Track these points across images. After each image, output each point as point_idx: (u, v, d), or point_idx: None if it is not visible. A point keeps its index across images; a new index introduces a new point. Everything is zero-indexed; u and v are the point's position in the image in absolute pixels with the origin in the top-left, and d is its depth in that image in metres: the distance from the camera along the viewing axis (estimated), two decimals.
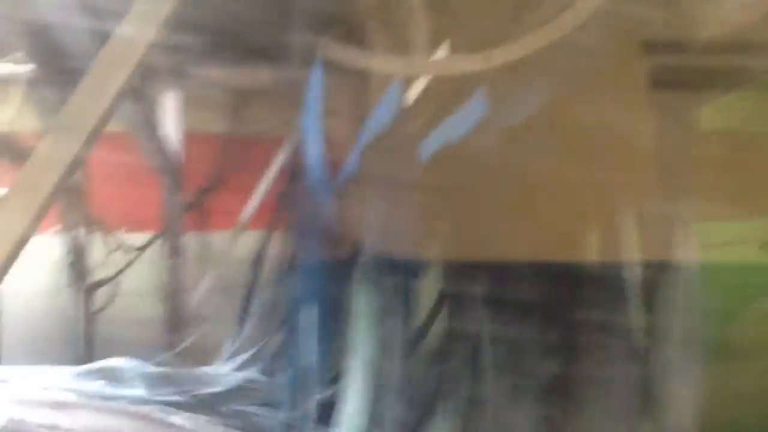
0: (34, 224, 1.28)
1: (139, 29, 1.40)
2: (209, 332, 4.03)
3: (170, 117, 3.84)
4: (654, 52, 2.26)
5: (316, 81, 2.49)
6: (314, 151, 2.58)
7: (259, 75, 3.60)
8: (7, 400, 2.13)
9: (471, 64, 2.29)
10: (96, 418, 1.99)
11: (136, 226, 4.09)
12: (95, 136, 1.35)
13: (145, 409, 2.09)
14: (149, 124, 3.27)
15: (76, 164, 1.34)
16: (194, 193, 4.05)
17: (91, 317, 3.68)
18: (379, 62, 2.31)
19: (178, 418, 2.10)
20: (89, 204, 3.80)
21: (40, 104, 3.65)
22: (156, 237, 3.92)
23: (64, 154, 1.30)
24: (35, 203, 1.26)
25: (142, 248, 3.91)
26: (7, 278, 3.71)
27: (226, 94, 4.13)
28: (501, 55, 2.22)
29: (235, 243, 3.92)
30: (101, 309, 3.75)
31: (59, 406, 2.06)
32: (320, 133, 2.57)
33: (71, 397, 2.15)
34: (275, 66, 3.27)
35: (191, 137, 3.94)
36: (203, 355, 3.70)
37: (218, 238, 4.10)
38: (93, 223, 3.80)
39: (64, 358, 3.68)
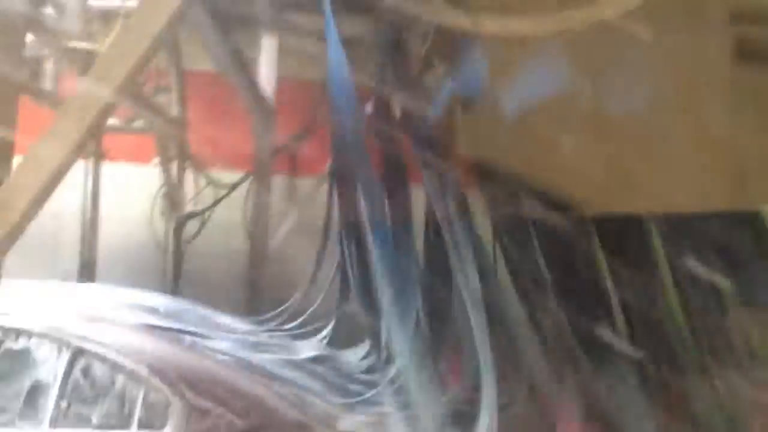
0: (71, 159, 1.38)
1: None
2: (287, 270, 4.20)
3: (266, 63, 3.95)
4: (741, 22, 2.09)
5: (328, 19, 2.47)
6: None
7: (353, 25, 3.62)
8: (63, 311, 2.34)
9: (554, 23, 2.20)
10: (129, 336, 2.14)
11: (229, 164, 4.28)
12: (129, 82, 1.42)
13: (187, 339, 2.20)
14: (241, 68, 3.38)
15: (110, 108, 1.43)
16: (285, 138, 4.17)
17: (180, 246, 3.91)
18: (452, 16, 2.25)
19: (217, 348, 2.20)
20: (186, 140, 4.00)
21: None
22: (246, 176, 4.09)
23: (98, 98, 1.38)
24: (71, 141, 1.36)
25: (232, 186, 4.10)
26: (106, 203, 3.98)
27: (321, 43, 4.18)
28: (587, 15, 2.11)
29: (319, 188, 4.02)
30: (190, 239, 3.98)
31: (101, 321, 2.22)
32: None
33: (119, 317, 2.30)
34: (367, 16, 3.27)
35: (286, 83, 4.04)
36: (279, 290, 3.88)
37: (305, 183, 4.22)
38: (188, 159, 4.01)
39: (153, 282, 3.97)
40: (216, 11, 2.92)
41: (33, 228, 4.19)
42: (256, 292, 3.90)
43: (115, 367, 2.01)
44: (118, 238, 4.17)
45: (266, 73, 3.97)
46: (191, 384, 1.94)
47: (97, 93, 1.40)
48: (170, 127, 3.92)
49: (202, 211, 4.02)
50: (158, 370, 1.97)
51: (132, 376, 1.98)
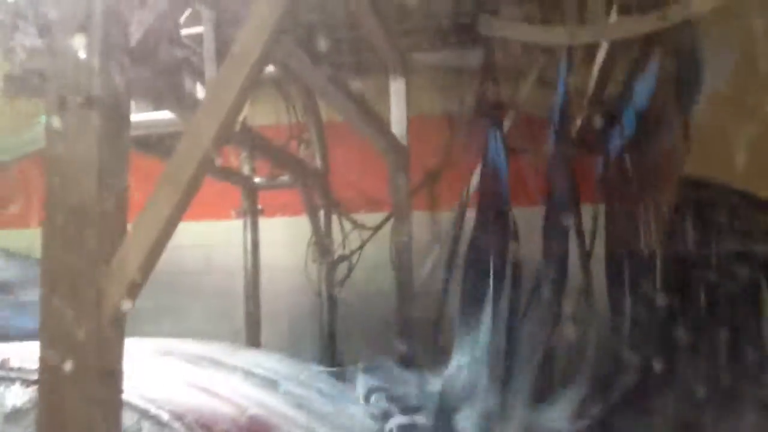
0: (179, 211, 1.54)
1: (259, 31, 1.58)
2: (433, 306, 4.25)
3: (395, 103, 4.10)
4: None
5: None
6: None
7: (469, 56, 3.69)
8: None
9: (647, 25, 2.13)
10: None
11: (372, 207, 4.45)
12: (224, 132, 1.57)
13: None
14: (367, 115, 3.54)
15: (210, 157, 1.58)
16: (421, 175, 4.28)
17: (333, 289, 4.11)
18: (546, 33, 2.25)
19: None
20: (329, 189, 4.23)
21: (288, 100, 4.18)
22: (388, 217, 4.23)
23: (199, 148, 1.54)
24: (177, 194, 1.52)
25: (375, 228, 4.25)
26: (266, 256, 4.27)
27: (446, 77, 4.28)
28: (677, 13, 2.03)
29: (459, 221, 4.06)
30: (342, 281, 4.17)
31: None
32: None
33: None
34: (477, 47, 3.33)
35: (417, 121, 4.16)
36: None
37: (445, 217, 4.28)
38: (333, 206, 4.23)
39: (312, 326, 4.20)
40: (333, 63, 3.12)
41: (207, 284, 4.59)
42: (405, 328, 3.99)
43: None
44: (278, 287, 4.48)
45: (396, 114, 4.11)
46: None
47: (194, 146, 1.56)
48: (314, 179, 4.17)
49: (350, 255, 4.21)
50: None
51: None
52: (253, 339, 4.15)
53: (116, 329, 1.47)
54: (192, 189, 1.58)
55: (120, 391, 1.48)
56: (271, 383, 2.38)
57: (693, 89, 2.53)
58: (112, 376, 1.47)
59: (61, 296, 1.42)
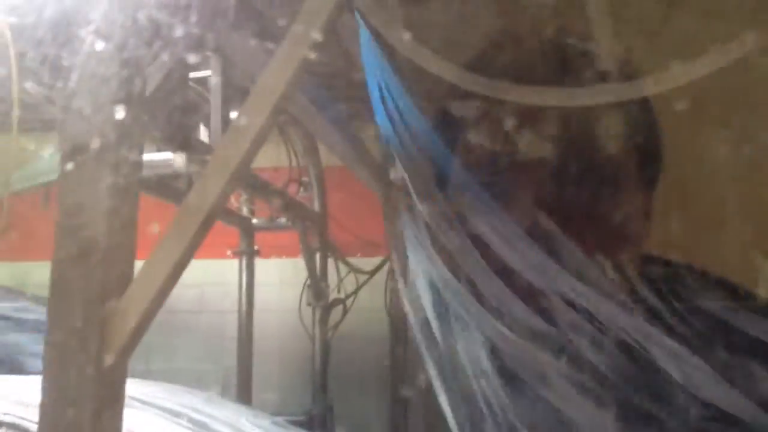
0: (186, 259, 1.56)
1: (274, 83, 1.62)
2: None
3: None
4: None
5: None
6: None
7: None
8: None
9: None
10: None
11: (368, 251, 4.47)
12: (237, 177, 1.60)
13: None
14: (363, 158, 3.59)
15: (221, 203, 1.61)
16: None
17: (326, 333, 4.10)
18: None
19: None
20: (326, 232, 4.25)
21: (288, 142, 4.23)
22: (384, 262, 4.25)
23: (212, 194, 1.56)
24: (186, 240, 1.54)
25: (371, 272, 4.27)
26: (261, 297, 4.27)
27: None
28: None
29: None
30: (336, 325, 4.16)
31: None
32: None
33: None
34: None
35: None
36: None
37: None
38: (329, 249, 4.24)
39: (304, 370, 4.17)
40: (332, 110, 3.17)
41: (199, 324, 4.57)
42: (397, 375, 3.98)
43: None
44: (273, 329, 4.47)
45: None
46: None
47: (208, 189, 1.59)
48: (312, 221, 4.20)
49: (345, 299, 4.21)
50: None
51: None
52: (245, 381, 4.12)
53: (120, 369, 1.48)
54: (201, 234, 1.60)
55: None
56: (201, 425, 2.33)
57: (654, 167, 2.55)
58: (111, 416, 1.46)
59: (65, 334, 1.43)
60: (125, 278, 1.53)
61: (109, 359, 1.46)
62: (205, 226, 1.62)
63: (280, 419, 3.07)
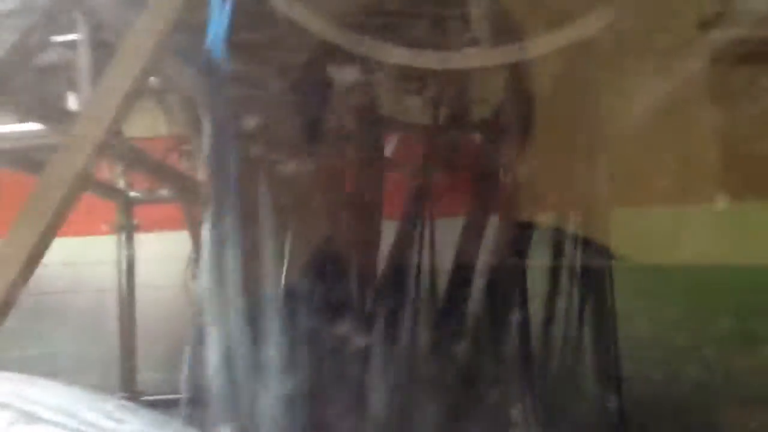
0: (49, 235, 1.43)
1: (143, 38, 1.50)
2: None
3: None
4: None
5: None
6: None
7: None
8: None
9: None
10: None
11: None
12: (104, 144, 1.48)
13: None
14: None
15: (86, 174, 1.48)
16: None
17: None
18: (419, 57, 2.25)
19: None
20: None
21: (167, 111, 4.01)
22: None
23: (77, 163, 1.43)
24: (48, 215, 1.41)
25: None
26: (143, 273, 4.08)
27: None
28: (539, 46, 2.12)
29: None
30: None
31: None
32: None
33: None
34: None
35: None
36: None
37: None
38: None
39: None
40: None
41: (75, 304, 4.30)
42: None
43: None
44: (157, 306, 4.27)
45: None
46: None
47: (71, 161, 1.46)
48: (195, 193, 4.02)
49: None
50: None
51: None
52: (128, 361, 3.93)
53: None
54: (67, 206, 1.47)
55: None
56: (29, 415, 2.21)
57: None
58: None
59: None
60: None
61: None
62: (69, 199, 1.49)
63: (129, 403, 2.94)
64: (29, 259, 1.40)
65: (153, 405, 3.91)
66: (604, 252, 2.71)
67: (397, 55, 2.12)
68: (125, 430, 2.48)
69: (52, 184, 1.42)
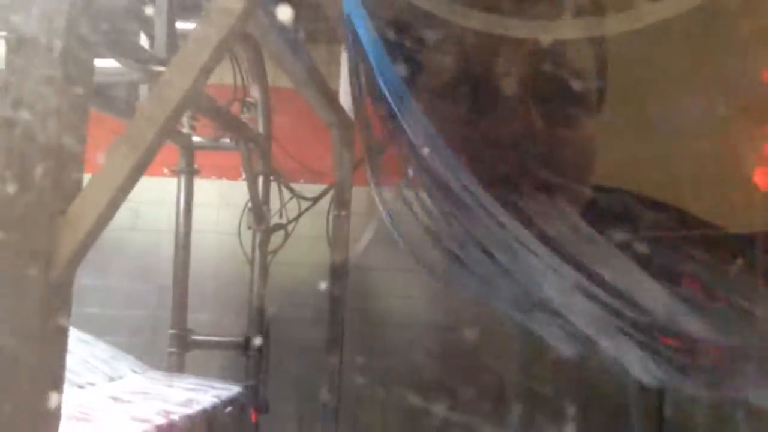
0: (138, 172, 1.48)
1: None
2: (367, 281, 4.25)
3: (346, 77, 4.05)
4: None
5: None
6: None
7: None
8: None
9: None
10: None
11: (313, 178, 4.41)
12: (192, 95, 1.51)
13: None
14: (316, 83, 3.49)
15: (174, 120, 1.52)
16: (365, 149, 4.24)
17: (266, 259, 4.06)
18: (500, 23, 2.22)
19: None
20: (270, 155, 4.15)
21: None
22: (327, 189, 4.20)
23: (163, 110, 1.47)
24: (138, 152, 1.46)
25: (314, 199, 4.22)
26: (199, 218, 4.16)
27: None
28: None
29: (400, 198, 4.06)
30: (276, 250, 4.12)
31: None
32: None
33: None
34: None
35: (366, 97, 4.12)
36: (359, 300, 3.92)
37: (387, 194, 4.27)
38: (273, 173, 4.15)
39: (241, 294, 4.14)
40: (287, 28, 3.03)
41: (132, 242, 4.43)
42: (336, 303, 3.99)
43: None
44: (210, 251, 4.39)
45: (346, 87, 4.06)
46: None
47: (163, 102, 1.50)
48: (256, 144, 4.08)
49: (286, 224, 4.16)
50: None
51: None
52: (180, 302, 4.05)
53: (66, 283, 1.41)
54: (154, 149, 1.51)
55: (64, 350, 1.41)
56: None
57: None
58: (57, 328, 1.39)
59: (12, 242, 1.34)
60: (75, 187, 1.44)
61: (55, 273, 1.38)
62: (160, 138, 1.53)
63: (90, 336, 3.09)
64: (117, 193, 1.46)
65: (199, 345, 4.05)
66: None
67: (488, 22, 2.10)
68: None
69: (146, 122, 1.46)
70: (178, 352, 3.95)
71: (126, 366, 3.24)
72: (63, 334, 1.38)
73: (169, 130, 1.50)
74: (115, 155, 1.45)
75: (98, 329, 3.39)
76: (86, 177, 1.49)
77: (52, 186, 1.38)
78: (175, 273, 4.03)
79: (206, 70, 1.52)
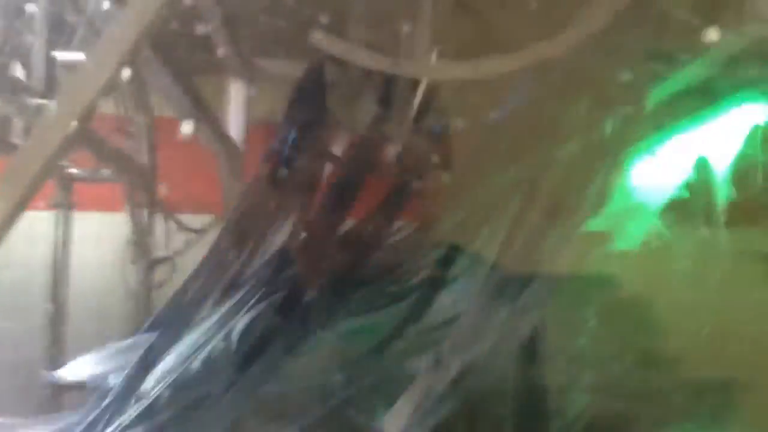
0: (19, 208, 1.43)
1: (127, 27, 1.51)
2: None
3: (234, 108, 4.04)
4: None
5: None
6: None
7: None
8: None
9: (460, 72, 2.31)
10: None
11: (200, 209, 4.33)
12: (78, 131, 1.48)
13: None
14: (202, 114, 3.46)
15: (60, 154, 1.48)
16: None
17: (150, 292, 3.94)
18: (371, 59, 2.31)
19: None
20: (155, 186, 4.05)
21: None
22: (215, 220, 4.13)
23: (48, 145, 1.44)
24: (21, 189, 1.41)
25: (200, 231, 4.14)
26: (79, 252, 4.00)
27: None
28: (491, 66, 2.22)
29: None
30: (160, 284, 4.01)
31: None
32: None
33: None
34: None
35: (257, 127, 4.12)
36: None
37: None
38: (157, 205, 4.05)
39: (124, 328, 3.98)
40: (173, 59, 3.01)
41: (5, 279, 4.17)
42: None
43: None
44: (90, 285, 4.20)
45: (235, 118, 4.05)
46: None
47: (48, 139, 1.46)
48: (139, 175, 3.98)
49: (171, 257, 4.06)
50: None
51: None
52: (57, 338, 3.85)
53: None
54: (36, 186, 1.47)
55: None
56: None
57: None
58: None
59: None
60: None
61: None
62: (42, 177, 1.49)
63: None
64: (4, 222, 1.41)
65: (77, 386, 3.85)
66: None
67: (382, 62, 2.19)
68: None
69: (27, 161, 1.42)
70: (53, 393, 3.74)
71: None
72: None
73: (51, 170, 1.46)
74: None
75: None
76: None
77: None
78: (49, 310, 3.83)
79: (93, 106, 1.50)
